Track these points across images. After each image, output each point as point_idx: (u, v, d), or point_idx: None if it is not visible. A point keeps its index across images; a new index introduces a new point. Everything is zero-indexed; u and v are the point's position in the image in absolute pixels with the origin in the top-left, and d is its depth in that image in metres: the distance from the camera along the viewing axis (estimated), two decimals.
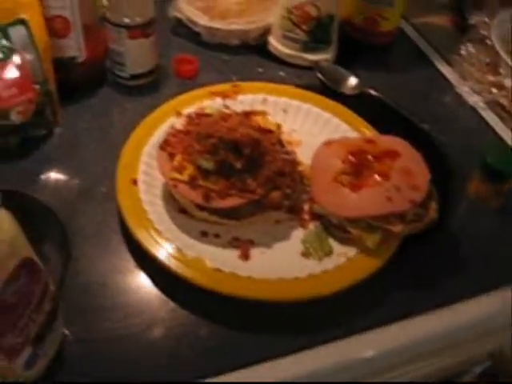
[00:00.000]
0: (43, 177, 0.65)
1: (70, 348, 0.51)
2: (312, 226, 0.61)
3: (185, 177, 0.58)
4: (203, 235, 0.59)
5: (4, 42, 0.61)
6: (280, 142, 0.63)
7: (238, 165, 0.57)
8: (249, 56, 0.82)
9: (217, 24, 0.80)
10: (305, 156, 0.65)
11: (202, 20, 0.81)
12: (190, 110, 0.68)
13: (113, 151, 0.65)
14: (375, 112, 0.75)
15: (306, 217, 0.62)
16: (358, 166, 0.59)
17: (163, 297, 0.56)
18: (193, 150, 0.58)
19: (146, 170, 0.62)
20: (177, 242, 0.57)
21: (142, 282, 0.57)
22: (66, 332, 0.52)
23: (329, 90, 0.78)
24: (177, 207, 0.60)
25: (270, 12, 0.80)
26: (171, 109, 0.69)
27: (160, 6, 0.82)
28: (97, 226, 0.61)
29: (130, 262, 0.58)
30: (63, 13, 0.67)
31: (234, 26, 0.80)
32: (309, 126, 0.71)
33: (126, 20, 0.69)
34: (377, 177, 0.58)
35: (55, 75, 0.68)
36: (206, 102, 0.70)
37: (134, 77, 0.74)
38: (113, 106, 0.74)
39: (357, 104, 0.74)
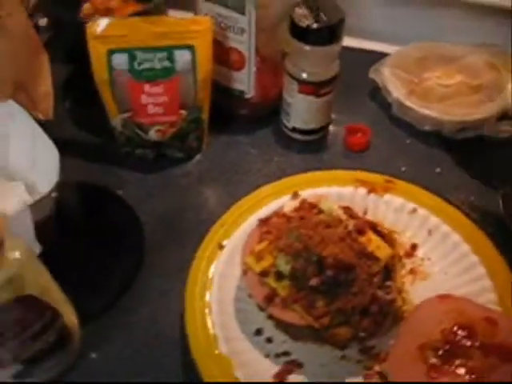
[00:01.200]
0: (153, 197, 0.64)
1: None
2: (376, 380, 0.49)
3: (258, 267, 0.51)
4: (257, 333, 0.52)
5: (167, 62, 0.60)
6: (387, 273, 0.52)
7: (314, 282, 0.49)
8: (433, 148, 0.69)
9: (410, 102, 0.69)
10: (419, 295, 0.53)
11: (398, 92, 0.70)
12: (315, 191, 0.60)
13: (231, 201, 0.61)
14: None
15: (377, 368, 0.50)
16: (454, 349, 0.46)
17: None
18: (280, 242, 0.51)
19: (238, 235, 0.57)
20: (224, 328, 0.51)
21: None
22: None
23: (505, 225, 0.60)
24: None
25: (478, 108, 0.66)
26: (303, 182, 0.62)
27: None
28: (169, 270, 0.58)
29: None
30: (240, 47, 0.64)
31: (427, 111, 0.68)
32: (448, 262, 0.57)
33: (300, 73, 0.63)
34: (465, 373, 0.44)
35: (221, 104, 0.67)
36: (346, 189, 0.61)
37: (296, 130, 0.69)
38: (262, 152, 0.69)
39: None
